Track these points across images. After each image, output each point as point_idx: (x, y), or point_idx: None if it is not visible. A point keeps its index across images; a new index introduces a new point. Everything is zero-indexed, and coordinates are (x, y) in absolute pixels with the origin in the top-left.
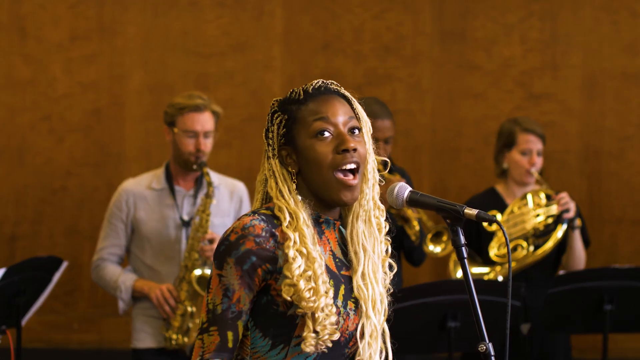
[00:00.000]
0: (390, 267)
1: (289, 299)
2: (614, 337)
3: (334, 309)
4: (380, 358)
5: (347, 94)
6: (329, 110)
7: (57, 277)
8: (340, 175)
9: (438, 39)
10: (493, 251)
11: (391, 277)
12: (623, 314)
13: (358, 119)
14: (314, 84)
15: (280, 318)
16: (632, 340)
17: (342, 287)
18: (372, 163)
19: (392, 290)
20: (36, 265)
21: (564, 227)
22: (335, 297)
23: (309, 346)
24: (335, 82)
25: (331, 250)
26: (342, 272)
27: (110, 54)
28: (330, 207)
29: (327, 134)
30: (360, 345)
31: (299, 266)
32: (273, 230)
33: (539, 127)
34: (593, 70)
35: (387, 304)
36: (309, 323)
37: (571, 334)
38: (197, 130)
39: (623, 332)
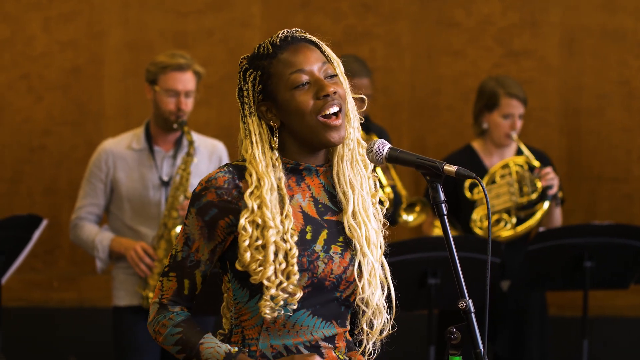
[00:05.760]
0: (381, 202)
1: (240, 269)
2: (594, 294)
3: (295, 270)
4: (383, 293)
5: (313, 38)
6: (302, 60)
7: (36, 235)
8: (324, 119)
9: None
10: (476, 224)
11: (384, 212)
12: (603, 271)
13: (329, 61)
14: (279, 35)
15: None
16: (611, 297)
17: (325, 232)
18: (351, 101)
19: (387, 224)
20: (16, 223)
21: (548, 203)
22: (314, 242)
23: (264, 313)
24: (300, 30)
25: (312, 197)
26: (326, 217)
27: (89, 12)
28: (315, 153)
29: (305, 84)
30: (360, 284)
31: (249, 237)
32: (237, 182)
33: (522, 90)
34: (572, 27)
35: (382, 239)
36: (264, 290)
37: (551, 290)
38: (178, 90)
39: (603, 289)
